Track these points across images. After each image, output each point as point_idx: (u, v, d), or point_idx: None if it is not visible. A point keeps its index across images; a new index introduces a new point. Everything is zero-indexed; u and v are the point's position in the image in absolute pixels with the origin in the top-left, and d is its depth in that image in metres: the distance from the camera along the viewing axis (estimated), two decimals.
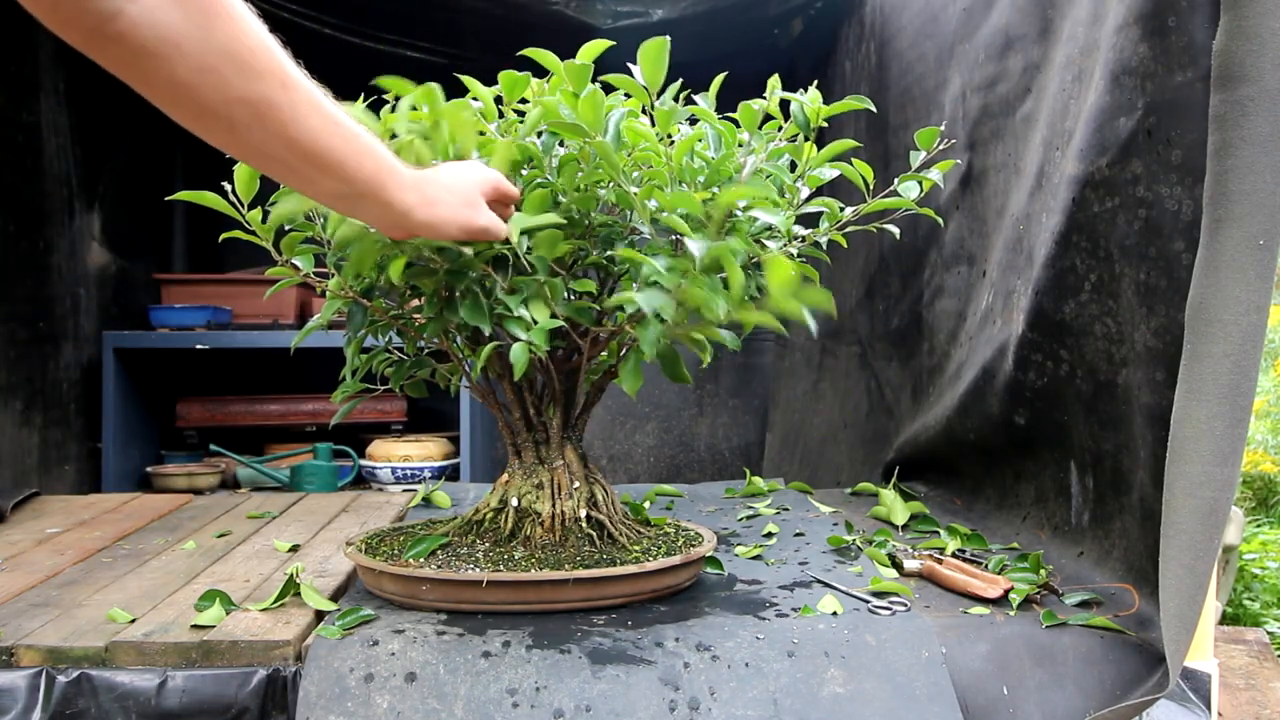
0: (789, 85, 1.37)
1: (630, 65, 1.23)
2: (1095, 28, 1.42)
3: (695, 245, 1.11)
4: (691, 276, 1.15)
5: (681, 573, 1.38)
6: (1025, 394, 1.60)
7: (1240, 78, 1.12)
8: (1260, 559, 3.41)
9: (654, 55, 1.17)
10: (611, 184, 1.28)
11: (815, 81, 1.39)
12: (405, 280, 1.29)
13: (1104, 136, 1.35)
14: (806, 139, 1.36)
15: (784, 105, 1.34)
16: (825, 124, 1.35)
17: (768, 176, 1.32)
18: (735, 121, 1.33)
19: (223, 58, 0.89)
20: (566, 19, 2.72)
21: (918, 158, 1.43)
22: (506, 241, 1.21)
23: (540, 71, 1.30)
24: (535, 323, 1.23)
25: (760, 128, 1.34)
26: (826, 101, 1.38)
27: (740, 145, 1.34)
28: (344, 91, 1.50)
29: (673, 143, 1.27)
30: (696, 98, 1.31)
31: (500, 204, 1.22)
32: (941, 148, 1.42)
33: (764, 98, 1.34)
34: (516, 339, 1.22)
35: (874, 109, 1.37)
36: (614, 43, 1.23)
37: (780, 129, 1.35)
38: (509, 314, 1.24)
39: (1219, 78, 1.14)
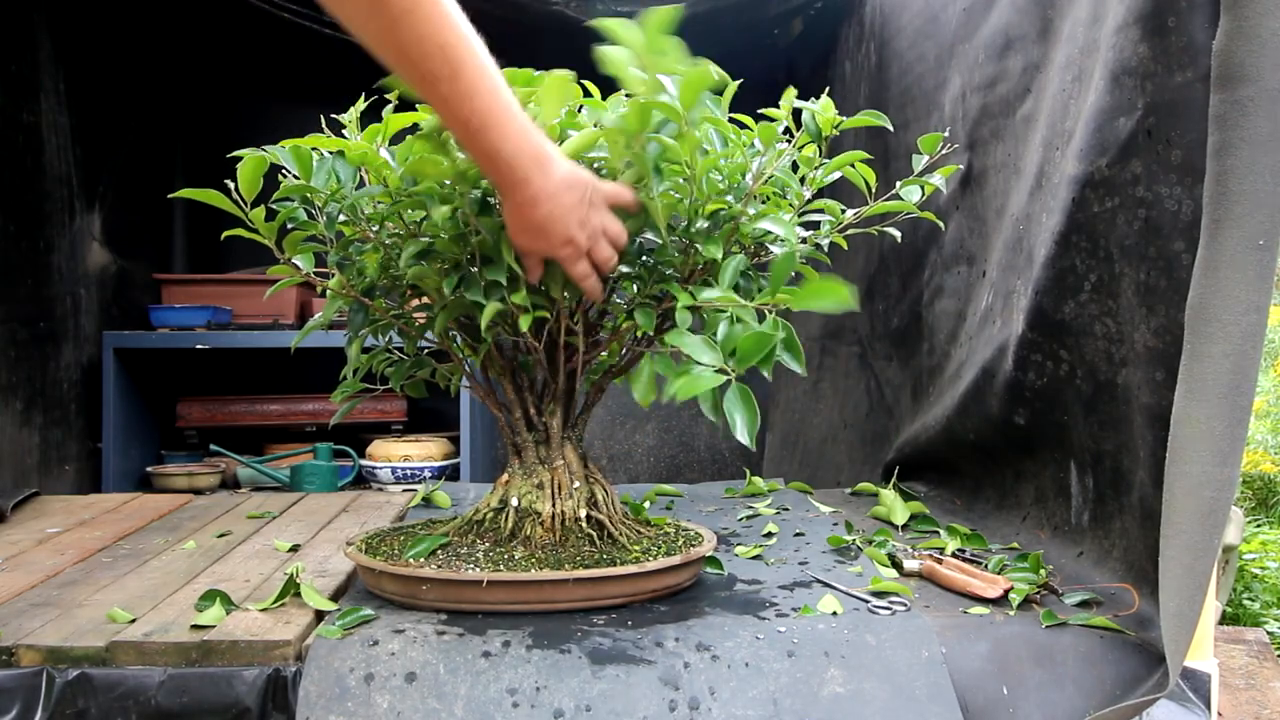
0: (789, 85, 1.37)
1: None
2: (1095, 28, 1.42)
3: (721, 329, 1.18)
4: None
5: (681, 573, 1.38)
6: (1025, 394, 1.60)
7: (1240, 78, 1.12)
8: (1260, 559, 3.41)
9: (696, 84, 1.18)
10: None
11: (826, 90, 1.39)
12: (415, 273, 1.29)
13: (1104, 136, 1.35)
14: (817, 146, 1.36)
15: (795, 113, 1.34)
16: (836, 133, 1.35)
17: (769, 180, 1.32)
18: (740, 123, 1.33)
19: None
20: (566, 19, 2.72)
21: (920, 162, 1.43)
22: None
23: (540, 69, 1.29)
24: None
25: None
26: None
27: (747, 147, 1.34)
28: (345, 91, 1.51)
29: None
30: (707, 102, 1.31)
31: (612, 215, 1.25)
32: (943, 152, 1.42)
33: (771, 102, 1.34)
34: (523, 310, 1.25)
35: (890, 127, 1.37)
36: (681, 3, 1.23)
37: (791, 136, 1.35)
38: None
39: (1219, 78, 1.14)
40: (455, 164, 1.23)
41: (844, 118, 1.35)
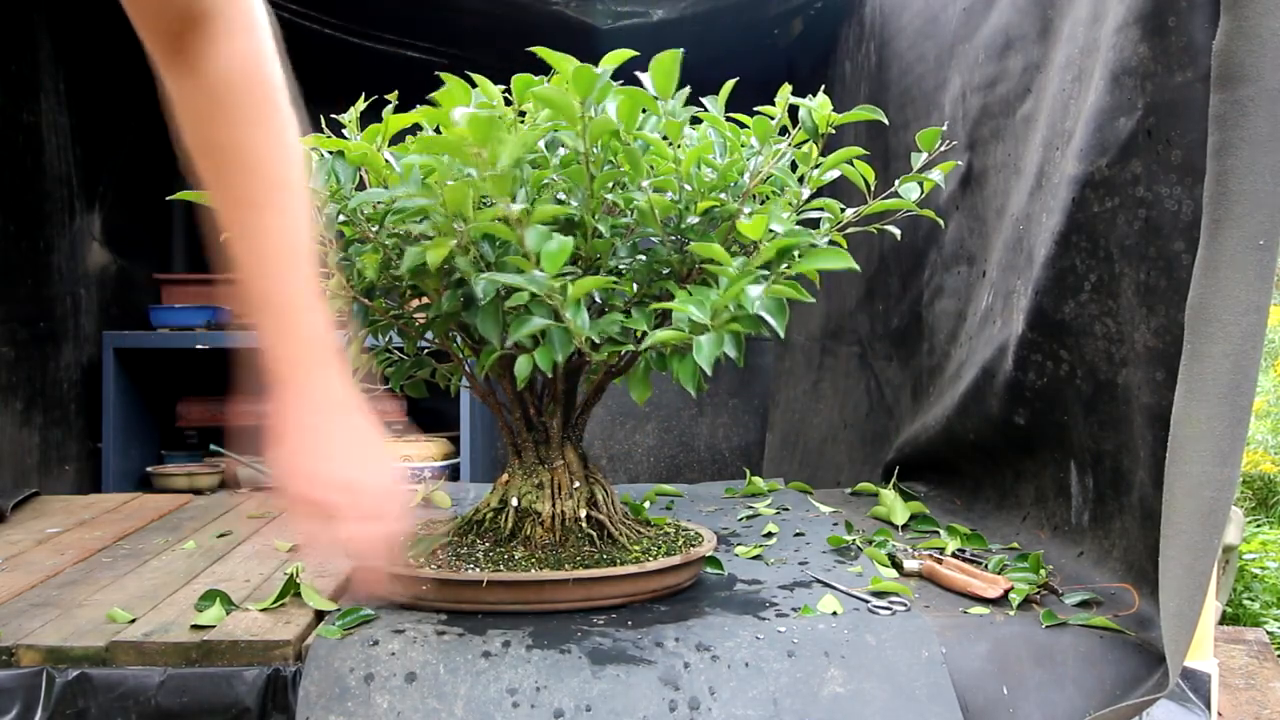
0: (788, 86, 1.37)
1: (639, 74, 1.23)
2: (1095, 28, 1.42)
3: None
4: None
5: (681, 573, 1.38)
6: (1025, 394, 1.60)
7: (1240, 78, 1.12)
8: (1260, 559, 3.41)
9: (666, 67, 1.18)
10: (618, 188, 1.28)
11: (822, 87, 1.39)
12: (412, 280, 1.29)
13: (1104, 136, 1.35)
14: (814, 143, 1.36)
15: (792, 111, 1.34)
16: (833, 130, 1.35)
17: (767, 178, 1.32)
18: (739, 122, 1.33)
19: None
20: (566, 19, 2.72)
21: (919, 159, 1.43)
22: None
23: (544, 71, 1.30)
24: (543, 338, 1.23)
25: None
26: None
27: (743, 146, 1.34)
28: (344, 91, 1.51)
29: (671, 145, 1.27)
30: (704, 100, 1.31)
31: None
32: (942, 149, 1.42)
33: (771, 102, 1.34)
34: (522, 349, 1.23)
35: (886, 120, 1.37)
36: (636, 53, 1.23)
37: (787, 133, 1.35)
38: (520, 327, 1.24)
39: (1219, 78, 1.14)
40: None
41: (839, 115, 1.35)
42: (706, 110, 1.31)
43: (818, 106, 1.33)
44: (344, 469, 0.90)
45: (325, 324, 0.92)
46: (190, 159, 0.94)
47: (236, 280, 0.91)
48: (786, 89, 1.34)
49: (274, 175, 0.91)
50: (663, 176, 1.28)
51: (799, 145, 1.35)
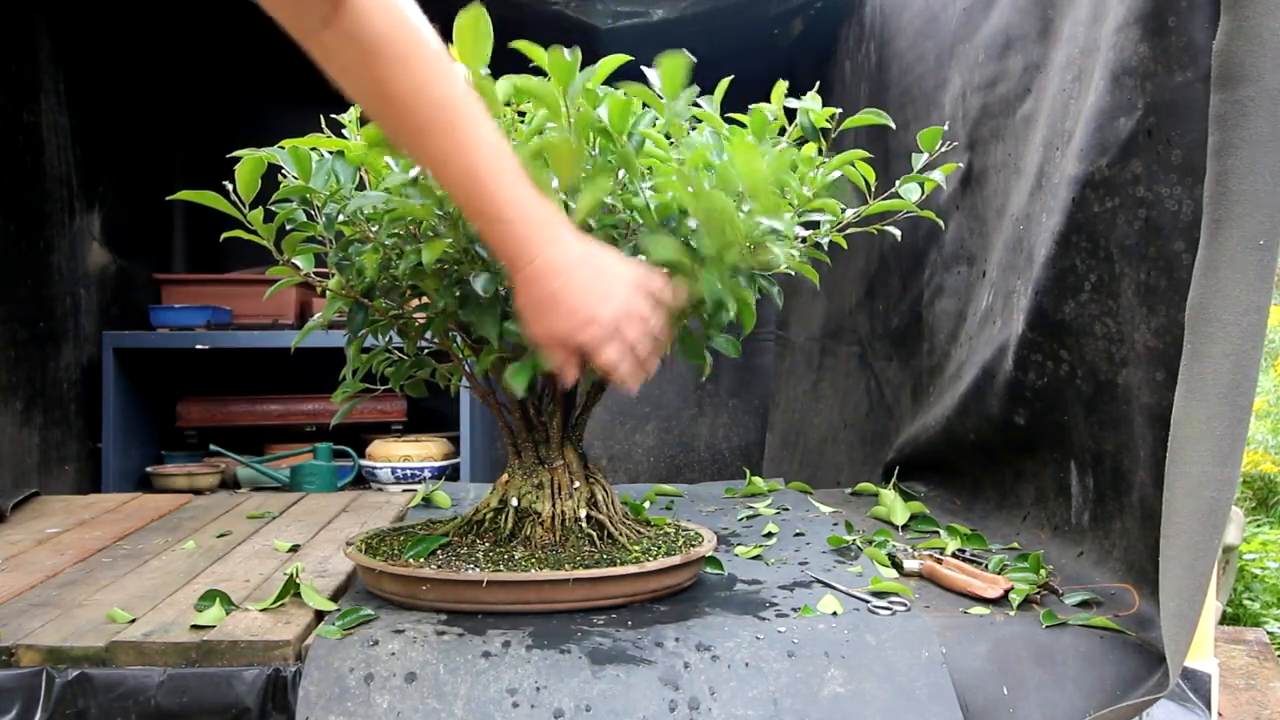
0: (789, 86, 1.37)
1: (645, 70, 1.23)
2: (1095, 28, 1.42)
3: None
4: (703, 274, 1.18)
5: (681, 573, 1.38)
6: (1025, 394, 1.60)
7: (1240, 78, 1.12)
8: (1260, 559, 3.41)
9: (675, 71, 1.20)
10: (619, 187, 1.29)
11: (817, 83, 1.39)
12: (414, 279, 1.29)
13: (1104, 136, 1.35)
14: (814, 143, 1.36)
15: (791, 113, 1.35)
16: (830, 126, 1.35)
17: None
18: (739, 122, 1.33)
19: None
20: (566, 19, 2.72)
21: (919, 159, 1.43)
22: None
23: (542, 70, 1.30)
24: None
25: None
26: (827, 102, 1.38)
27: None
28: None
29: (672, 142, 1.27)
30: (701, 100, 1.31)
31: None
32: (943, 150, 1.42)
33: (768, 100, 1.34)
34: (521, 349, 1.23)
35: (893, 125, 1.37)
36: (631, 58, 1.24)
37: (784, 131, 1.35)
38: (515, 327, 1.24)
39: (1219, 78, 1.14)
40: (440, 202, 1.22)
41: (839, 109, 1.35)
42: (704, 110, 1.31)
43: (811, 104, 1.34)
44: (610, 299, 1.09)
45: (549, 207, 1.07)
46: (360, 105, 1.10)
47: (455, 198, 1.08)
48: (782, 86, 1.34)
49: (447, 100, 1.02)
50: (663, 178, 1.28)
51: (798, 143, 1.35)
